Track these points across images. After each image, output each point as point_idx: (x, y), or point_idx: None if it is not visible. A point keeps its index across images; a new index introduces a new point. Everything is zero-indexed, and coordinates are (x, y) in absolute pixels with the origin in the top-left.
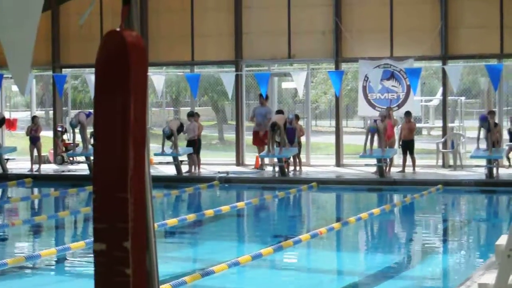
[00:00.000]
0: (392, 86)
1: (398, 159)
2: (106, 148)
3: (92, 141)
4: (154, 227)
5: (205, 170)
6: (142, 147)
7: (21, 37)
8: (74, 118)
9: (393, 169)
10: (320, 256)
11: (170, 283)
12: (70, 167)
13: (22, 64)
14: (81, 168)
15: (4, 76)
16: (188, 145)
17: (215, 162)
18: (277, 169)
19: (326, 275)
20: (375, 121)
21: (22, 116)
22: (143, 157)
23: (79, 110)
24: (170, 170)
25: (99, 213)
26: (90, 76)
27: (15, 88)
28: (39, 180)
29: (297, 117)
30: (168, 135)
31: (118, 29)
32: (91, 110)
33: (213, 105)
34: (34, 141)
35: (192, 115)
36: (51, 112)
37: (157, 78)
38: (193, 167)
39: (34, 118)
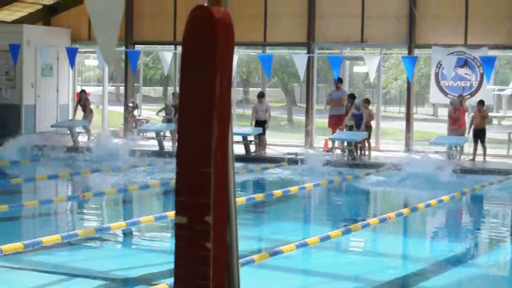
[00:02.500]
0: (465, 74)
1: (468, 147)
2: (191, 123)
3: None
4: (236, 202)
5: (273, 151)
6: (227, 123)
7: (109, 8)
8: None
9: (463, 157)
10: (387, 240)
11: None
12: (140, 142)
13: (110, 36)
14: (151, 144)
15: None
16: (256, 125)
17: (283, 143)
18: (346, 152)
19: (392, 260)
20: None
21: (94, 91)
22: (227, 133)
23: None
24: (239, 150)
25: (181, 187)
26: (163, 53)
27: (87, 62)
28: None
29: (367, 102)
30: None
31: (206, 4)
32: None
33: (283, 86)
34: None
35: (262, 95)
36: (121, 88)
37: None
38: (260, 147)
39: (82, 93)
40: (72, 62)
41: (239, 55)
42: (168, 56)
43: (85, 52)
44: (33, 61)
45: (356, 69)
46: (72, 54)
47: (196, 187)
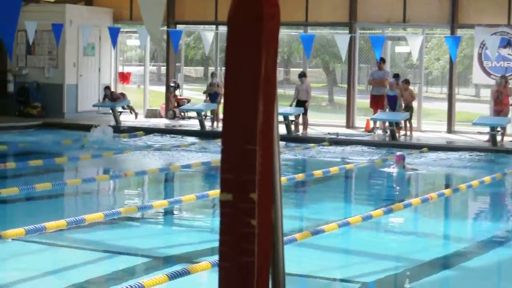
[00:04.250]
0: (508, 54)
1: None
2: (236, 102)
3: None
4: (281, 180)
5: (314, 131)
6: (272, 102)
7: None
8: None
9: (506, 139)
10: (429, 221)
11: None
12: (181, 122)
13: (155, 16)
14: (192, 124)
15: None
16: (297, 105)
17: (324, 123)
18: (388, 132)
19: (434, 240)
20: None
21: (135, 70)
22: (272, 112)
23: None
24: (280, 130)
25: (227, 164)
26: (204, 32)
27: (129, 42)
28: (150, 133)
29: (407, 82)
30: None
31: None
32: None
33: (324, 66)
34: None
35: (303, 75)
36: (162, 68)
37: None
38: (301, 127)
39: (106, 89)
40: (114, 42)
41: (280, 35)
42: (210, 36)
43: (127, 32)
44: (75, 40)
45: (398, 49)
46: (114, 34)
47: (242, 164)
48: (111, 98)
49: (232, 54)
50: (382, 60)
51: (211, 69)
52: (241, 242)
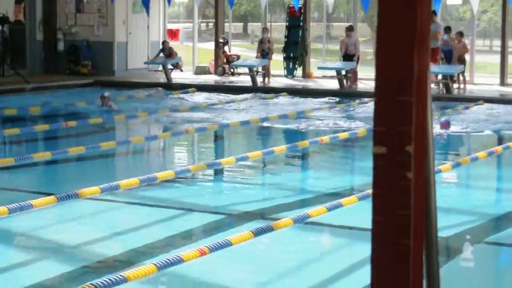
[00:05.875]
0: None
1: None
2: (391, 54)
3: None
4: (432, 131)
5: (365, 85)
6: (426, 54)
7: None
8: None
9: None
10: (496, 173)
11: (356, 195)
12: (231, 78)
13: None
14: (242, 80)
15: None
16: (345, 59)
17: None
18: (441, 86)
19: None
20: None
21: (184, 27)
22: (427, 63)
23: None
24: (331, 84)
25: (380, 117)
26: None
27: None
28: (201, 90)
29: (461, 35)
30: None
31: None
32: None
33: (369, 21)
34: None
35: (352, 29)
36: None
37: None
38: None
39: (164, 43)
40: None
41: None
42: None
43: None
44: None
45: (450, 1)
46: None
47: (396, 116)
48: (168, 53)
49: (386, 6)
50: (434, 13)
51: (251, 25)
52: (397, 196)
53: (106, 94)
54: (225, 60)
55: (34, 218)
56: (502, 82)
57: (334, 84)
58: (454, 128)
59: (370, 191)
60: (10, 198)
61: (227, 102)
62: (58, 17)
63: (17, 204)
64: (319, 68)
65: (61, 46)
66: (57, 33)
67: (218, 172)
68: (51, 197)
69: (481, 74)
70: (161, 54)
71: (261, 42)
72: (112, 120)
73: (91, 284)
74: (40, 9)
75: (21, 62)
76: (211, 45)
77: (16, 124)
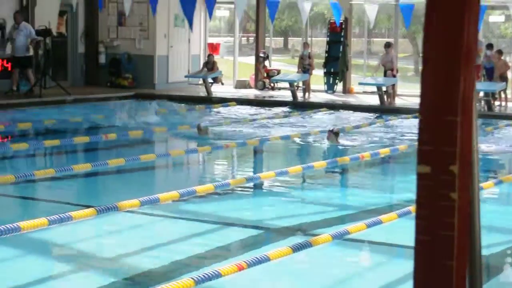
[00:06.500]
0: None
1: None
2: (436, 73)
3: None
4: (477, 151)
5: (404, 101)
6: (471, 73)
7: None
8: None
9: None
10: None
11: (396, 212)
12: (271, 92)
13: None
14: (282, 94)
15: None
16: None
17: (412, 93)
18: (482, 103)
19: None
20: None
21: (225, 41)
22: (472, 83)
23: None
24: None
25: (425, 135)
26: (302, 3)
27: (218, 13)
28: (241, 104)
29: (500, 52)
30: None
31: None
32: None
33: (410, 36)
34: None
35: (389, 45)
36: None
37: (370, 8)
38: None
39: (209, 57)
40: (210, 13)
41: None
42: (307, 6)
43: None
44: (166, 11)
45: (492, 18)
46: (210, 4)
47: (441, 135)
48: (211, 67)
49: (432, 23)
50: None
51: (291, 39)
52: (440, 216)
53: (203, 125)
54: (265, 75)
55: (73, 230)
56: None
57: (374, 100)
58: (496, 147)
59: (410, 208)
60: (50, 210)
61: (268, 117)
62: (100, 30)
63: (57, 216)
64: (360, 83)
65: (102, 58)
66: (98, 46)
67: (258, 187)
68: (91, 209)
69: None
70: (205, 69)
71: (301, 58)
72: (151, 133)
73: None
74: (82, 21)
75: (63, 74)
76: (251, 60)
77: (56, 136)
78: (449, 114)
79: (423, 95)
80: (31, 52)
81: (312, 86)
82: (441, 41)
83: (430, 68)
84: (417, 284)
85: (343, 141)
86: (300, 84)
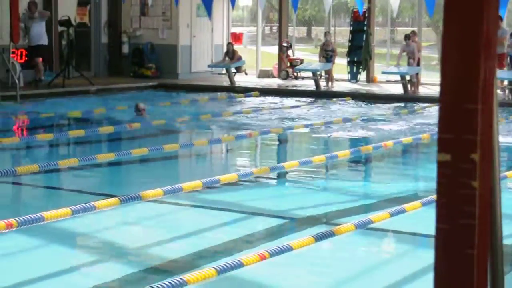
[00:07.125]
0: None
1: None
2: (456, 62)
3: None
4: (499, 139)
5: (429, 90)
6: (493, 61)
7: None
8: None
9: None
10: None
11: (420, 201)
12: (295, 82)
13: None
14: (305, 84)
15: None
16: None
17: (436, 82)
18: (507, 91)
19: None
20: None
21: (248, 30)
22: (493, 71)
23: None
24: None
25: (445, 124)
26: None
27: (241, 2)
28: (264, 94)
29: None
30: None
31: None
32: None
33: (434, 25)
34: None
35: (408, 38)
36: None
37: None
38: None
39: (229, 45)
40: (233, 2)
41: None
42: None
43: None
44: (189, 1)
45: None
46: None
47: (462, 123)
48: (232, 56)
49: (451, 11)
50: (500, 18)
51: (314, 29)
52: (461, 204)
53: (142, 106)
54: (288, 64)
55: (97, 219)
56: None
57: (398, 89)
58: None
59: (434, 196)
60: (74, 199)
61: (291, 106)
62: (123, 20)
63: (80, 206)
64: (383, 72)
65: (125, 48)
66: (121, 36)
67: (281, 176)
68: (114, 199)
69: None
70: (227, 58)
71: (323, 44)
72: (173, 122)
73: (151, 286)
74: (105, 12)
75: (86, 64)
76: (274, 49)
77: (80, 126)
78: (470, 102)
79: (442, 84)
80: (45, 41)
81: (336, 76)
82: (460, 29)
83: (449, 56)
84: (437, 273)
85: (364, 131)
86: (323, 73)
